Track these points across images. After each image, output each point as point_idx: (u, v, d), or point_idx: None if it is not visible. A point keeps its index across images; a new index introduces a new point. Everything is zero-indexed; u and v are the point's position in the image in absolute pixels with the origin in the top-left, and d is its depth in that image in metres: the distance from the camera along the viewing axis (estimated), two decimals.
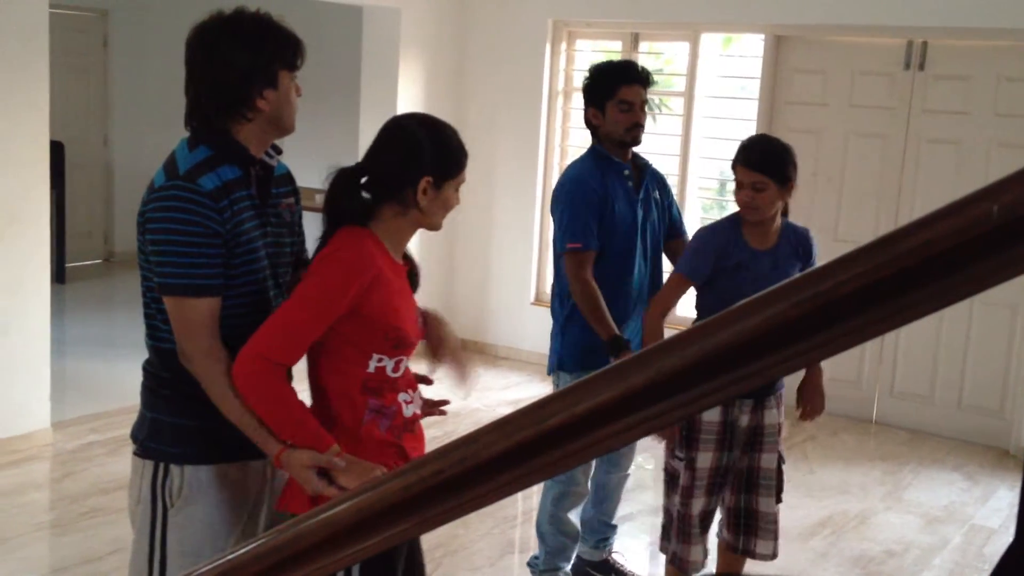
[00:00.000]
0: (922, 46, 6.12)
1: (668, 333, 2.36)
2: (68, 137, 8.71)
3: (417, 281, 2.54)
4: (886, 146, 6.30)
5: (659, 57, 7.35)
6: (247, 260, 2.32)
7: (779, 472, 3.44)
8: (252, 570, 1.12)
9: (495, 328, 7.55)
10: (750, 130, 6.48)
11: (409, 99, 7.05)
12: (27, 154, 5.13)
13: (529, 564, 4.06)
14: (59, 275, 8.46)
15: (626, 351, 3.39)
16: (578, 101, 7.13)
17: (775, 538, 3.45)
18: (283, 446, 2.24)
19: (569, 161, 7.16)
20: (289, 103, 2.36)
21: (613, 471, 4.02)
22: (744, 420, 3.34)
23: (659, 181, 3.83)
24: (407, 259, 2.50)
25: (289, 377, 2.32)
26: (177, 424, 2.36)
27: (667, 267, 3.72)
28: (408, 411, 2.45)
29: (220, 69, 2.29)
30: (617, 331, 3.47)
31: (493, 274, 7.52)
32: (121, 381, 6.37)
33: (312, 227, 2.56)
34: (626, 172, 3.68)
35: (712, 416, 3.29)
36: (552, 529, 3.89)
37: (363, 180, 2.40)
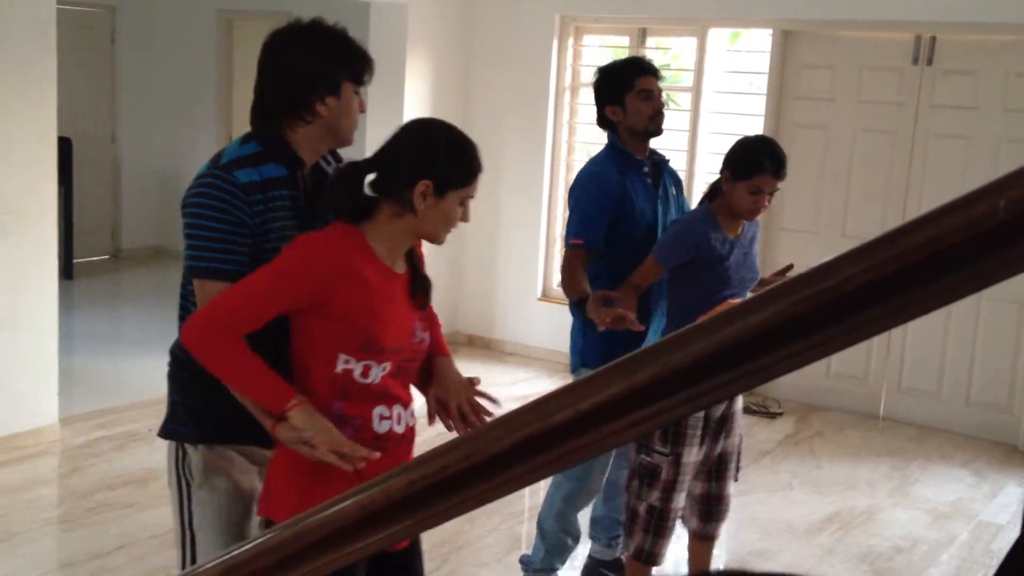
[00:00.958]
0: (930, 41, 6.10)
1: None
2: (76, 133, 8.73)
3: (424, 293, 2.42)
4: (894, 142, 6.28)
5: (667, 52, 7.34)
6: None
7: (738, 452, 3.51)
8: (258, 565, 1.12)
9: (502, 324, 7.55)
10: (758, 126, 6.47)
11: (416, 95, 7.06)
12: (35, 150, 5.14)
13: (522, 561, 3.98)
14: (67, 271, 8.48)
15: (593, 300, 3.29)
16: (586, 97, 7.17)
17: (726, 518, 3.54)
18: (274, 420, 2.23)
19: (576, 157, 7.21)
20: (349, 114, 2.41)
21: (625, 467, 4.01)
22: (719, 410, 3.36)
23: (675, 178, 3.83)
24: (415, 269, 2.42)
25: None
26: (193, 406, 2.48)
27: None
28: (381, 427, 2.33)
29: (286, 71, 2.38)
30: (587, 290, 3.41)
31: (500, 270, 7.52)
32: (129, 377, 6.39)
33: None
34: (645, 169, 3.67)
35: (698, 412, 3.29)
36: (556, 527, 3.83)
37: (370, 177, 2.34)
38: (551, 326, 6.94)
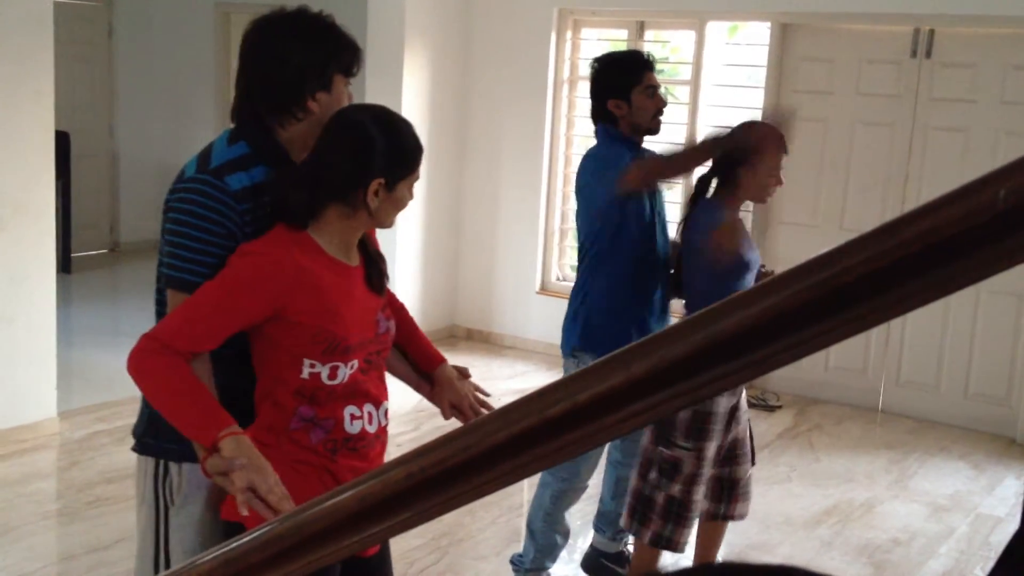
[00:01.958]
0: (929, 34, 6.10)
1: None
2: (73, 127, 8.72)
3: (379, 277, 2.36)
4: (893, 134, 6.28)
5: (665, 45, 7.33)
6: None
7: (751, 437, 3.52)
8: (255, 558, 1.12)
9: (501, 317, 7.54)
10: (756, 119, 6.45)
11: (414, 86, 7.05)
12: (32, 144, 5.13)
13: (512, 562, 3.95)
14: (65, 265, 8.47)
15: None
16: (583, 90, 7.15)
17: (750, 499, 3.53)
18: (206, 452, 2.05)
19: (574, 150, 7.19)
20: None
21: (632, 462, 4.00)
22: (729, 401, 3.37)
23: None
24: (368, 255, 2.34)
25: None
26: None
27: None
28: (354, 427, 2.26)
29: (275, 65, 2.23)
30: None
31: (499, 263, 7.51)
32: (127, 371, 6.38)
33: None
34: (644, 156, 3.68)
35: (722, 407, 3.30)
36: (545, 527, 3.80)
37: (306, 179, 2.20)
38: (550, 320, 6.93)
